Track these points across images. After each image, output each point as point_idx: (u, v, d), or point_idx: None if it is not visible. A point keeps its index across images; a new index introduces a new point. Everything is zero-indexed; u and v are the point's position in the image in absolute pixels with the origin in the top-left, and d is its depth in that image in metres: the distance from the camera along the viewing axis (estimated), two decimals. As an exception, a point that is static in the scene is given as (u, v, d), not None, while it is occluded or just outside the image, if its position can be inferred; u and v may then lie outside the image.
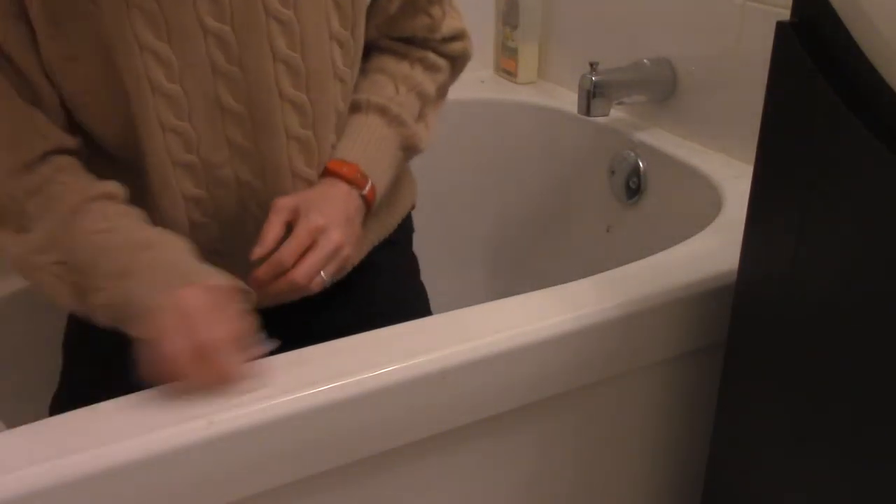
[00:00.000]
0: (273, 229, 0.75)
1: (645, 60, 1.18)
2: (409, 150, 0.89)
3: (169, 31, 0.71)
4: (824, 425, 0.65)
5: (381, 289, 0.93)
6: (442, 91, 0.94)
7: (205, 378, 0.63)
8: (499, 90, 1.45)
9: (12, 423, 0.64)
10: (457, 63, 0.94)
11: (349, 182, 0.81)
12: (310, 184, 0.81)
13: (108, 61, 0.71)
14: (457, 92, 1.43)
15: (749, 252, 0.69)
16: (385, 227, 0.95)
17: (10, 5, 0.68)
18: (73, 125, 0.76)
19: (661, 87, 1.18)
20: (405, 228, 1.00)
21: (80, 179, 0.74)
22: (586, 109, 1.16)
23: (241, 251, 0.79)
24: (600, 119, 1.21)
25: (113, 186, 0.75)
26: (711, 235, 0.90)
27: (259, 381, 0.64)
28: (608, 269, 0.82)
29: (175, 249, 0.72)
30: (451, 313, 0.75)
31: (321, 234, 0.76)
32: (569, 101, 1.30)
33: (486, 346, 0.70)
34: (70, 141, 0.75)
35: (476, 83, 1.47)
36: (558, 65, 1.44)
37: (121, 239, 0.71)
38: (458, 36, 0.93)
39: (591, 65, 1.15)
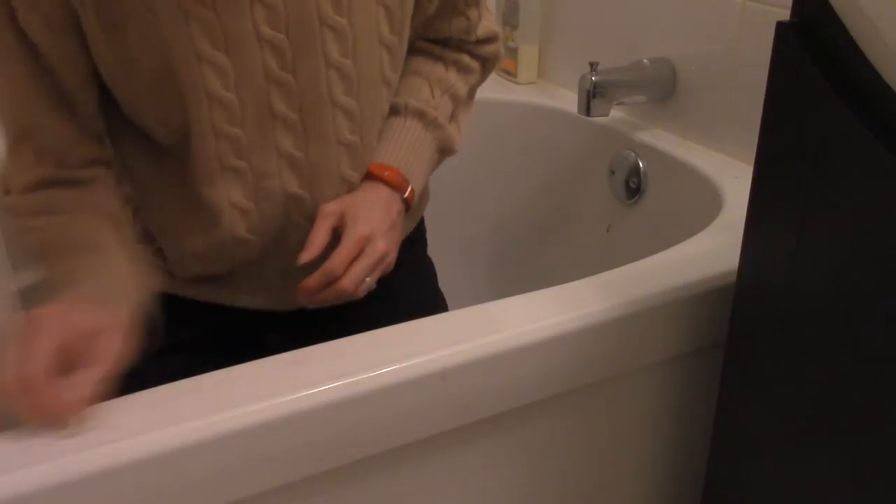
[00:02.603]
0: (321, 235, 0.77)
1: (645, 60, 1.18)
2: (445, 151, 0.91)
3: (226, 40, 0.71)
4: (824, 425, 0.65)
5: (399, 284, 0.93)
6: (472, 92, 0.95)
7: (26, 411, 0.58)
8: (499, 90, 1.45)
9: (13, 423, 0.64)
10: (487, 64, 0.95)
11: (391, 186, 0.83)
12: (353, 187, 0.83)
13: (164, 66, 0.71)
14: (457, 92, 1.44)
15: (749, 252, 0.69)
16: (408, 225, 0.96)
17: (62, 17, 0.69)
18: (101, 136, 0.78)
19: (661, 87, 1.18)
20: (422, 228, 1.02)
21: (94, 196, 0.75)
22: (586, 109, 1.16)
23: (278, 261, 0.82)
24: (600, 119, 1.21)
25: (118, 207, 0.76)
26: (711, 235, 0.90)
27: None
28: (608, 269, 0.82)
29: (116, 265, 0.70)
30: (451, 313, 0.75)
31: (368, 243, 0.78)
32: (569, 101, 1.30)
33: (487, 345, 0.70)
34: (99, 151, 0.77)
35: (476, 83, 1.47)
36: (558, 65, 1.44)
37: (80, 233, 0.72)
38: (492, 38, 0.93)
39: (591, 65, 1.15)
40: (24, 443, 0.58)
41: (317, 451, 0.66)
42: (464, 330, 0.71)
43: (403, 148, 0.85)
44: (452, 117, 0.91)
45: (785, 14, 0.61)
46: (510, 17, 1.44)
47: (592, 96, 1.15)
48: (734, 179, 1.03)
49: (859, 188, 0.57)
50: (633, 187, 1.21)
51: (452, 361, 0.68)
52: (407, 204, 0.85)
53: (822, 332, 0.63)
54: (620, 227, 1.26)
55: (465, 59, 0.92)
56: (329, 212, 0.79)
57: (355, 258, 0.77)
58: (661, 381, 0.85)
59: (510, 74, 1.48)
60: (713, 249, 0.86)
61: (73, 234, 0.72)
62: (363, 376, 0.65)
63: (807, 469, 0.68)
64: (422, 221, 1.02)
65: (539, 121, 1.38)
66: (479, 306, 0.76)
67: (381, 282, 0.82)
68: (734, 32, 1.07)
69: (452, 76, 0.91)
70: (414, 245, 0.98)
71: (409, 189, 0.84)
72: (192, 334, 0.87)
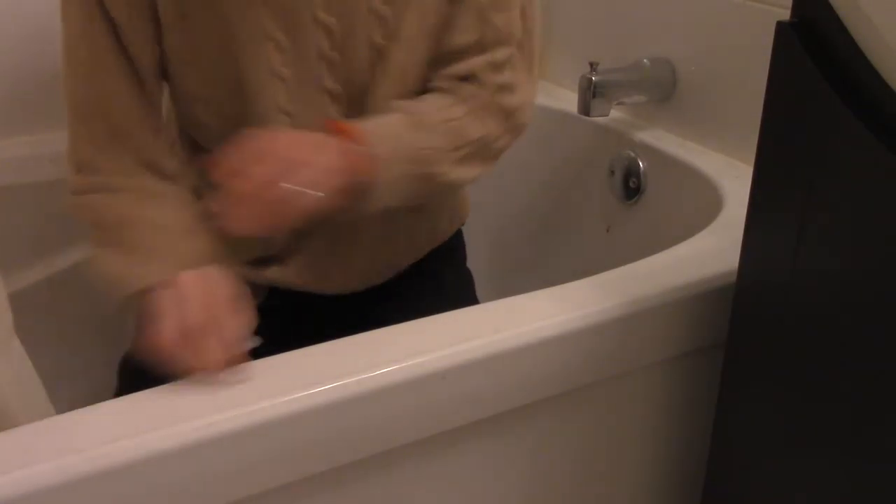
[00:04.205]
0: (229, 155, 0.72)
1: (645, 60, 1.18)
2: (423, 163, 0.81)
3: (286, 22, 0.78)
4: (824, 425, 0.65)
5: (429, 294, 0.95)
6: (487, 143, 0.86)
7: (187, 362, 0.63)
8: (499, 90, 1.45)
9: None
10: (511, 119, 0.87)
11: (342, 133, 0.77)
12: None
13: (227, 51, 0.77)
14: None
15: (749, 252, 0.69)
16: (437, 233, 0.98)
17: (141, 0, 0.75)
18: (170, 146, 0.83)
19: (661, 87, 1.18)
20: (459, 239, 1.03)
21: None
22: (586, 109, 1.16)
23: (323, 237, 0.86)
24: (600, 119, 1.21)
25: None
26: (711, 235, 0.90)
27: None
28: (608, 269, 0.82)
29: (191, 237, 0.76)
30: (451, 313, 0.75)
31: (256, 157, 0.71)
32: (569, 101, 1.30)
33: (486, 346, 0.70)
34: (167, 161, 0.81)
35: (476, 83, 1.47)
36: (558, 65, 1.44)
37: (149, 216, 0.76)
38: (515, 88, 0.86)
39: (591, 65, 1.15)
40: (24, 443, 0.58)
41: (317, 451, 0.66)
42: (464, 330, 0.71)
43: (377, 122, 0.80)
44: (456, 149, 0.83)
45: (785, 14, 0.61)
46: (510, 17, 1.44)
47: (592, 96, 1.15)
48: (734, 179, 1.03)
49: (859, 188, 0.57)
50: (633, 187, 1.21)
51: (452, 361, 0.68)
52: (359, 166, 0.75)
53: (822, 332, 0.63)
54: (620, 227, 1.26)
55: (483, 97, 0.84)
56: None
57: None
58: (661, 381, 0.85)
59: (510, 74, 1.48)
60: (713, 249, 0.86)
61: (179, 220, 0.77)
62: (363, 376, 0.65)
63: (807, 469, 0.68)
64: (460, 232, 1.03)
65: (539, 121, 1.37)
66: (479, 306, 0.76)
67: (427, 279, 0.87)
68: (734, 32, 1.07)
69: (459, 110, 0.83)
70: (455, 253, 1.00)
71: (367, 150, 0.76)
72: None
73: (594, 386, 0.79)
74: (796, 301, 0.65)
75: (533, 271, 1.44)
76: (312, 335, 0.72)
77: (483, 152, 0.86)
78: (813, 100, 0.59)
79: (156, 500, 0.60)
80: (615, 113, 1.23)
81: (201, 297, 0.66)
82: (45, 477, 0.56)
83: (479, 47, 0.84)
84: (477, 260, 1.52)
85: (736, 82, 1.08)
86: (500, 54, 0.85)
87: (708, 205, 1.01)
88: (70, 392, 0.92)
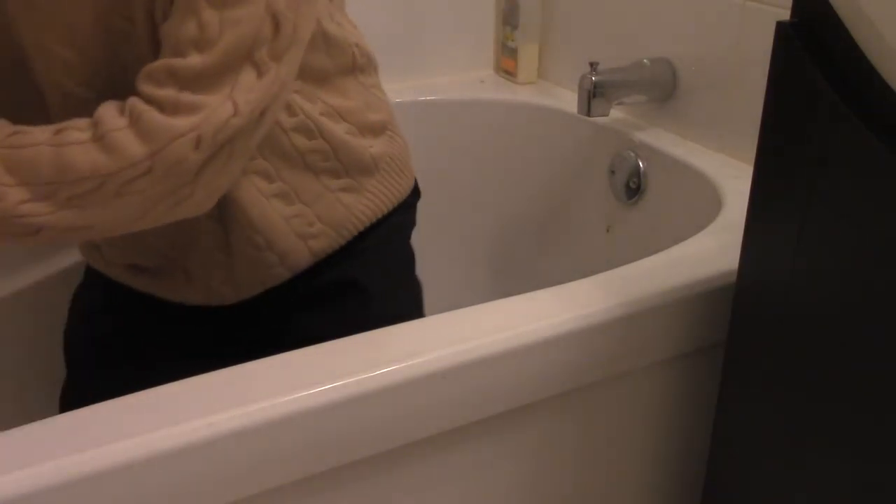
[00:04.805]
0: None
1: (645, 60, 1.18)
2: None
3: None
4: (824, 425, 0.65)
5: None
6: (104, 184, 0.63)
7: None
8: (499, 90, 1.45)
9: (12, 423, 0.64)
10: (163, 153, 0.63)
11: None
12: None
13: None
14: (457, 92, 1.44)
15: (749, 252, 0.69)
16: (292, 254, 0.83)
17: None
18: None
19: (661, 87, 1.19)
20: (362, 248, 0.88)
21: None
22: (586, 109, 1.16)
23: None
24: (600, 119, 1.21)
25: None
26: (711, 235, 0.90)
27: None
28: (608, 269, 0.82)
29: None
30: (451, 313, 0.75)
31: None
32: (569, 101, 1.30)
33: (486, 346, 0.70)
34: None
35: (476, 83, 1.47)
36: (558, 65, 1.44)
37: None
38: (186, 109, 0.64)
39: (591, 65, 1.15)
40: (24, 443, 0.58)
41: (317, 451, 0.66)
42: (464, 330, 0.71)
43: None
44: (48, 183, 0.62)
45: (785, 14, 0.61)
46: (510, 17, 1.44)
47: (592, 96, 1.15)
48: (734, 179, 1.03)
49: (859, 188, 0.57)
50: (633, 187, 1.21)
51: (452, 361, 0.68)
52: None
53: (822, 332, 0.63)
54: (620, 227, 1.26)
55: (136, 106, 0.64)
56: None
57: None
58: (661, 381, 0.85)
59: (510, 74, 1.48)
60: (713, 249, 0.86)
61: None
62: (363, 376, 0.65)
63: (807, 469, 0.68)
64: (363, 237, 0.88)
65: (539, 121, 1.38)
66: (479, 306, 0.76)
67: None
68: (734, 32, 1.07)
69: (76, 132, 0.63)
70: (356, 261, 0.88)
71: None
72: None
73: (594, 386, 0.79)
74: (796, 301, 0.65)
75: (533, 271, 1.44)
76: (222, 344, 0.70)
77: (101, 193, 0.64)
78: (813, 100, 0.59)
79: (156, 500, 0.60)
80: (615, 113, 1.23)
81: None
82: (45, 477, 0.56)
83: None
84: (477, 260, 1.52)
85: (736, 82, 1.08)
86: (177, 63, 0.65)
87: (708, 205, 1.01)
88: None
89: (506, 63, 1.49)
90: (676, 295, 0.79)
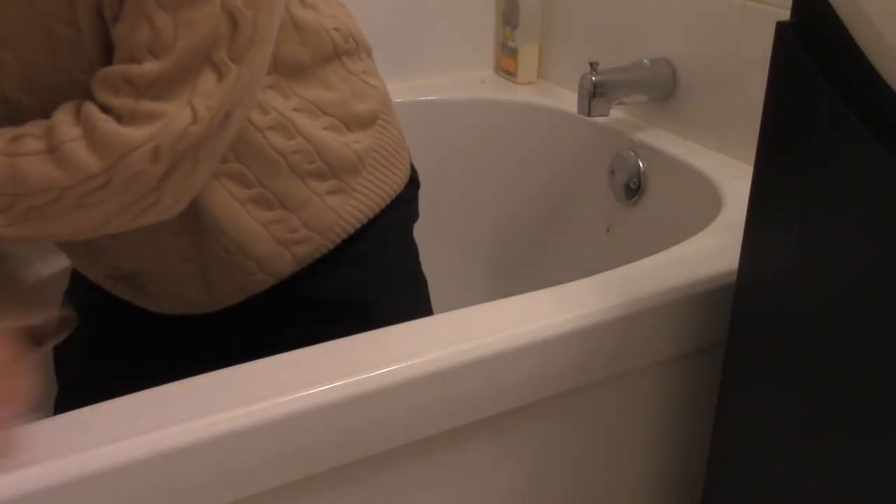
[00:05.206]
0: None
1: (645, 60, 1.18)
2: None
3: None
4: (824, 425, 0.65)
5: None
6: (61, 197, 0.61)
7: None
8: (499, 90, 1.45)
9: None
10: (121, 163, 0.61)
11: None
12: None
13: None
14: (457, 92, 1.44)
15: (749, 252, 0.69)
16: (268, 259, 0.80)
17: None
18: None
19: (661, 87, 1.19)
20: (354, 250, 0.85)
21: None
22: (586, 109, 1.16)
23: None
24: (600, 119, 1.21)
25: None
26: (711, 235, 0.90)
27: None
28: (608, 269, 0.82)
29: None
30: (451, 313, 0.75)
31: None
32: (569, 101, 1.30)
33: (486, 346, 0.70)
34: None
35: (476, 83, 1.47)
36: (558, 65, 1.44)
37: None
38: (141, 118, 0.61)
39: (591, 65, 1.15)
40: (24, 443, 0.58)
41: (317, 451, 0.66)
42: (464, 330, 0.71)
43: None
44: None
45: (785, 14, 0.61)
46: (510, 17, 1.44)
47: (592, 96, 1.15)
48: (734, 179, 1.03)
49: (859, 188, 0.57)
50: (633, 187, 1.21)
51: (452, 361, 0.68)
52: None
53: (822, 332, 0.63)
54: (620, 227, 1.26)
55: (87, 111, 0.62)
56: None
57: None
58: (661, 381, 0.85)
59: (510, 74, 1.48)
60: (713, 249, 0.86)
61: None
62: (363, 376, 0.65)
63: (807, 469, 0.68)
64: (360, 238, 0.85)
65: (539, 121, 1.38)
66: (479, 306, 0.76)
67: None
68: (734, 32, 1.07)
69: (32, 141, 0.61)
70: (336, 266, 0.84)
71: None
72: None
73: (594, 386, 0.79)
74: (796, 301, 0.65)
75: (533, 271, 1.44)
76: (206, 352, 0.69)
77: (60, 205, 0.62)
78: (813, 100, 0.59)
79: (156, 500, 0.60)
80: (615, 113, 1.23)
81: None
82: (45, 477, 0.56)
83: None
84: (477, 260, 1.52)
85: (736, 82, 1.08)
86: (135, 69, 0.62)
87: (708, 205, 1.01)
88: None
89: (506, 63, 1.49)
90: (676, 295, 0.79)
